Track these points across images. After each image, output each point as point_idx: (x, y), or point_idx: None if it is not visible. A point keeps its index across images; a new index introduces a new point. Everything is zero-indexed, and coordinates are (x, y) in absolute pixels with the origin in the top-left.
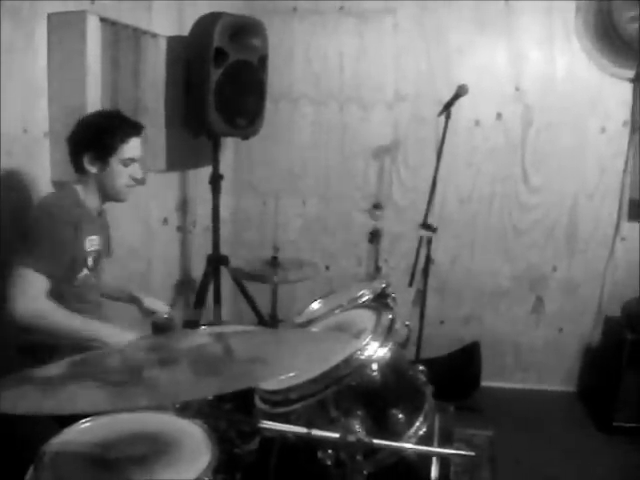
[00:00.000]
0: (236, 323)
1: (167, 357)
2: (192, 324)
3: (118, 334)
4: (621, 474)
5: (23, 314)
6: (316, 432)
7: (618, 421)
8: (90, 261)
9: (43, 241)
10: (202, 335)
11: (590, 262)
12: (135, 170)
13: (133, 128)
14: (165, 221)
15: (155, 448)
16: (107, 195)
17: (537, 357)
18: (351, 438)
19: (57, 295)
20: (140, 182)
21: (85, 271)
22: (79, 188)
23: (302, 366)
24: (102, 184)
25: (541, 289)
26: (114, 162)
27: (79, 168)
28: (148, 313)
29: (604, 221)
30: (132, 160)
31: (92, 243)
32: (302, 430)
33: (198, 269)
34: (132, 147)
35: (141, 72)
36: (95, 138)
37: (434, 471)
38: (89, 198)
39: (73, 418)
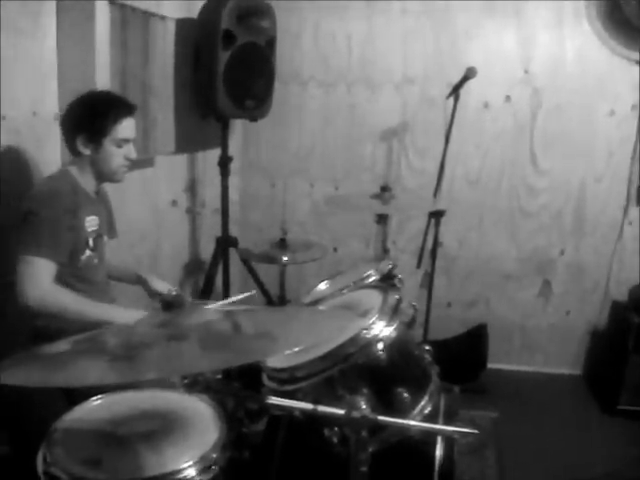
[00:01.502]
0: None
1: (176, 333)
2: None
3: (128, 316)
4: (625, 456)
5: (34, 301)
6: (322, 408)
7: (623, 404)
8: (91, 242)
9: (43, 227)
10: (210, 312)
11: (598, 246)
12: (129, 150)
13: (125, 108)
14: (174, 203)
15: (164, 425)
16: (102, 176)
17: (543, 340)
18: (356, 414)
19: (62, 278)
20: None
21: (87, 252)
22: (74, 170)
23: (309, 342)
24: (96, 165)
25: (548, 272)
26: (107, 143)
27: (73, 150)
28: (154, 294)
29: (612, 205)
30: (126, 141)
31: (91, 224)
32: (308, 406)
33: (207, 251)
34: (125, 128)
35: (150, 55)
36: (87, 120)
37: (438, 450)
38: (85, 179)
39: (84, 396)
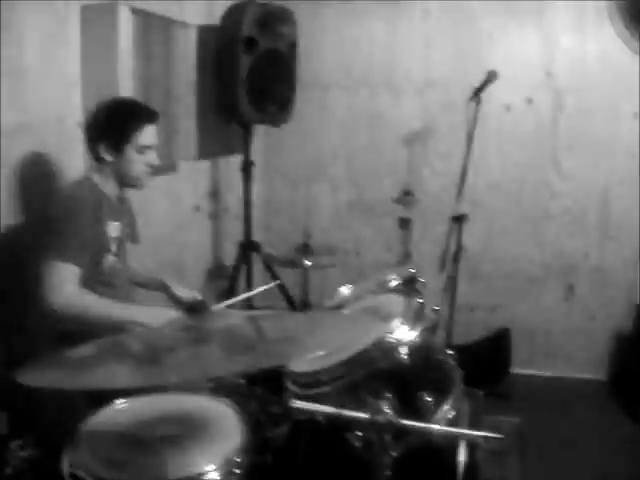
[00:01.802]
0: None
1: (199, 337)
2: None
3: (154, 314)
4: None
5: (60, 305)
6: (346, 412)
7: None
8: (114, 247)
9: (67, 232)
10: (234, 316)
11: (622, 249)
12: (151, 157)
13: (147, 116)
14: (197, 208)
15: (188, 428)
16: (124, 182)
17: (568, 345)
18: (380, 419)
19: (85, 283)
20: (156, 169)
21: (110, 257)
22: (96, 176)
23: (332, 347)
24: (118, 172)
25: (572, 276)
26: (129, 150)
27: (96, 156)
28: (177, 301)
29: (636, 208)
30: (148, 147)
31: (114, 229)
32: (332, 410)
33: (230, 256)
34: (147, 135)
35: (172, 61)
36: (110, 127)
37: (462, 456)
38: (107, 185)
39: (108, 399)
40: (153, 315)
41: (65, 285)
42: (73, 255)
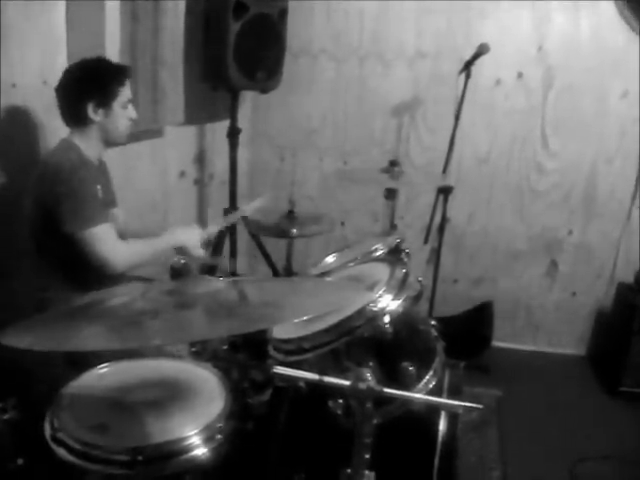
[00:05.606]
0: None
1: (183, 301)
2: (210, 270)
3: (187, 234)
4: (625, 437)
5: (121, 265)
6: (328, 379)
7: (625, 386)
8: None
9: (82, 198)
10: (218, 281)
11: (606, 227)
12: (131, 111)
13: (125, 70)
14: (182, 174)
15: (171, 393)
16: (109, 141)
17: (549, 320)
18: (362, 386)
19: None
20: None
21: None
22: (77, 139)
23: (315, 313)
24: (105, 130)
25: (556, 252)
26: (116, 106)
27: (81, 118)
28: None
29: (622, 187)
30: (129, 102)
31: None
32: (314, 377)
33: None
34: (127, 89)
35: (160, 25)
36: (98, 85)
37: (442, 425)
38: (89, 148)
39: (91, 363)
40: (186, 234)
41: (115, 246)
42: (99, 215)
